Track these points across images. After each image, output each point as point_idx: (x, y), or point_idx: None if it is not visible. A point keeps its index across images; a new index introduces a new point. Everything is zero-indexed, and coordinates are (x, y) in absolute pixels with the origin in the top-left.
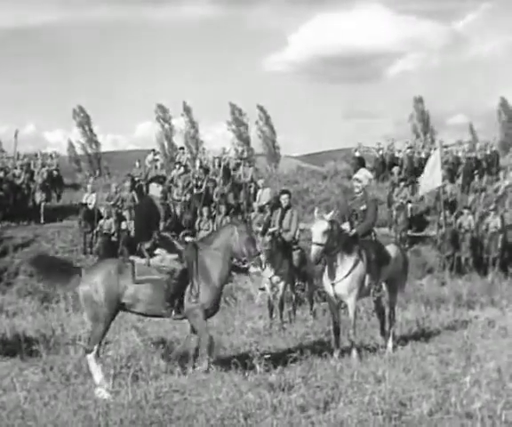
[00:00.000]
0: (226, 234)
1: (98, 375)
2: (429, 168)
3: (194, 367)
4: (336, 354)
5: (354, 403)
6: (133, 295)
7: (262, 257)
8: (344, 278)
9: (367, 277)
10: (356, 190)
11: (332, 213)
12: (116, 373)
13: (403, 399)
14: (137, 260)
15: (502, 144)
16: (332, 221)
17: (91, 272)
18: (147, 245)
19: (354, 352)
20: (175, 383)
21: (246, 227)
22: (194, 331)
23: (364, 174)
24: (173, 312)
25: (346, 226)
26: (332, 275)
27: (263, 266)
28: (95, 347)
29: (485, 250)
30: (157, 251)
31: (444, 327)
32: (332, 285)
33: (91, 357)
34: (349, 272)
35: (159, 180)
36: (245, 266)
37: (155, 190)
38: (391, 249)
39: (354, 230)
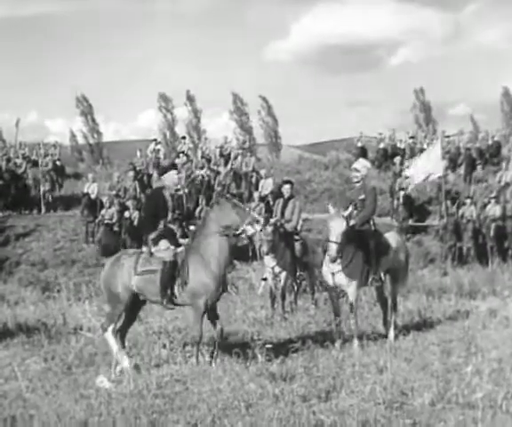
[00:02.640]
0: (212, 214)
1: (117, 350)
2: (427, 157)
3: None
4: (338, 344)
5: (355, 393)
6: (138, 285)
7: (255, 215)
8: (344, 268)
9: (366, 267)
10: (355, 180)
11: (350, 210)
12: (117, 362)
13: (404, 389)
14: (145, 250)
15: (504, 135)
16: (347, 217)
17: (110, 261)
18: (151, 236)
19: (355, 342)
20: (177, 373)
21: (227, 199)
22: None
23: (362, 164)
24: (165, 301)
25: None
26: (331, 265)
27: (259, 224)
28: (111, 325)
29: (484, 238)
30: (162, 242)
31: (445, 317)
32: (332, 274)
33: (108, 333)
34: (349, 262)
35: (175, 167)
36: (241, 230)
37: (171, 179)
38: (392, 238)
39: (352, 221)
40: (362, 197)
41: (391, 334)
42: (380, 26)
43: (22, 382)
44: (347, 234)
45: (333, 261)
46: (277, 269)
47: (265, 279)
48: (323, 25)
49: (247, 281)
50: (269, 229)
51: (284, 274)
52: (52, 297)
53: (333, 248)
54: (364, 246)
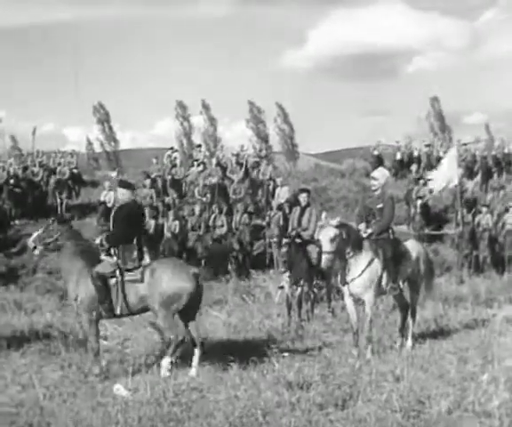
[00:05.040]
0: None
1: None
2: (447, 165)
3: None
4: (355, 352)
5: (372, 401)
6: None
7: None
8: (359, 277)
9: (384, 275)
10: (374, 189)
11: (338, 219)
12: (134, 370)
13: (421, 398)
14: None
15: None
16: (339, 226)
17: None
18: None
19: (369, 349)
20: (193, 381)
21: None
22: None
23: (381, 173)
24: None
25: (362, 226)
26: (347, 274)
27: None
28: None
29: (501, 247)
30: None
31: (462, 326)
32: (348, 283)
33: None
34: (364, 270)
35: (126, 185)
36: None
37: (124, 195)
38: (412, 247)
39: (369, 230)
40: (380, 205)
41: (409, 342)
42: (396, 35)
43: (39, 390)
44: (343, 241)
45: (328, 270)
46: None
47: (282, 288)
48: (339, 33)
49: (264, 289)
50: (284, 249)
51: (300, 282)
52: (68, 305)
53: (325, 258)
54: (381, 255)
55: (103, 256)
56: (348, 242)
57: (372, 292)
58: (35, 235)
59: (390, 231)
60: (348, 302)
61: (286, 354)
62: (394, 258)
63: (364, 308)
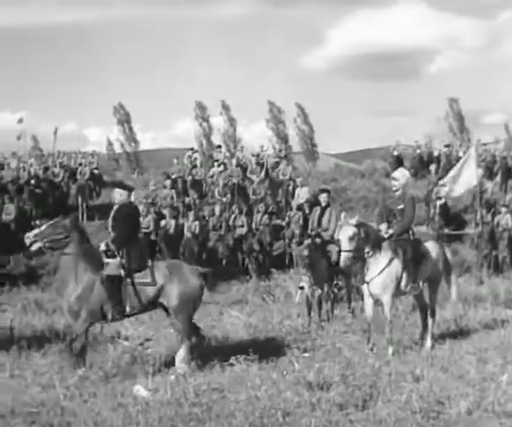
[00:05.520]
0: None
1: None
2: (467, 168)
3: None
4: (372, 351)
5: (392, 401)
6: None
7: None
8: (377, 276)
9: (404, 275)
10: (394, 189)
11: (356, 218)
12: (155, 370)
13: (441, 398)
14: None
15: None
16: (358, 225)
17: None
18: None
19: (390, 350)
20: (214, 381)
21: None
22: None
23: (401, 173)
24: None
25: (383, 226)
26: (366, 274)
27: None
28: None
29: None
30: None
31: (481, 326)
32: (367, 283)
33: None
34: (383, 270)
35: (123, 186)
36: None
37: (121, 196)
38: (432, 248)
39: (390, 231)
40: (401, 206)
41: (428, 342)
42: (414, 35)
43: (60, 391)
44: (361, 240)
45: (347, 269)
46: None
47: (302, 288)
48: (359, 34)
49: (284, 289)
50: (305, 249)
51: (320, 283)
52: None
53: (344, 257)
54: (401, 255)
55: (107, 259)
56: (367, 241)
57: (390, 293)
58: (36, 231)
59: (411, 232)
60: (368, 301)
61: (306, 354)
62: (414, 258)
63: (383, 309)
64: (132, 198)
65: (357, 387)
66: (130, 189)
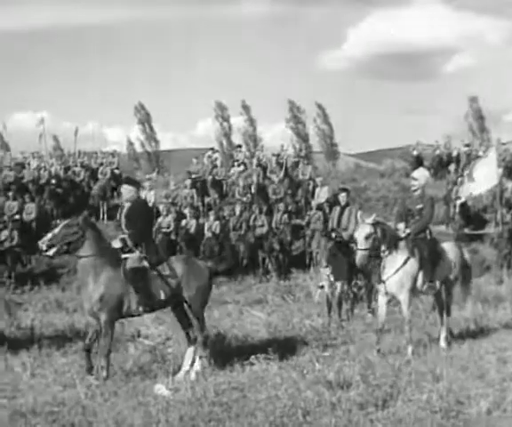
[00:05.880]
0: None
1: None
2: (487, 169)
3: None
4: (378, 353)
5: (412, 401)
6: None
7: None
8: (393, 275)
9: (420, 274)
10: (414, 189)
11: (373, 217)
12: (175, 369)
13: (460, 398)
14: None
15: None
16: (374, 224)
17: None
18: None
19: (409, 349)
20: (234, 380)
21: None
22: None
23: (421, 173)
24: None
25: (401, 225)
26: (383, 272)
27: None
28: None
29: None
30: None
31: (501, 326)
32: (383, 282)
33: None
34: (399, 269)
35: (132, 182)
36: None
37: (130, 192)
38: (450, 249)
39: (407, 230)
40: (420, 206)
41: (442, 342)
42: (435, 33)
43: (81, 390)
44: (378, 239)
45: (362, 267)
46: (334, 277)
47: (322, 287)
48: (378, 33)
49: (304, 289)
50: (329, 244)
51: (340, 282)
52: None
53: (360, 255)
54: (417, 254)
55: (125, 255)
56: (384, 240)
57: (407, 291)
58: (49, 235)
59: (428, 232)
60: (381, 299)
61: (326, 354)
62: (430, 258)
63: (401, 308)
64: (152, 198)
65: (377, 386)
66: (137, 185)
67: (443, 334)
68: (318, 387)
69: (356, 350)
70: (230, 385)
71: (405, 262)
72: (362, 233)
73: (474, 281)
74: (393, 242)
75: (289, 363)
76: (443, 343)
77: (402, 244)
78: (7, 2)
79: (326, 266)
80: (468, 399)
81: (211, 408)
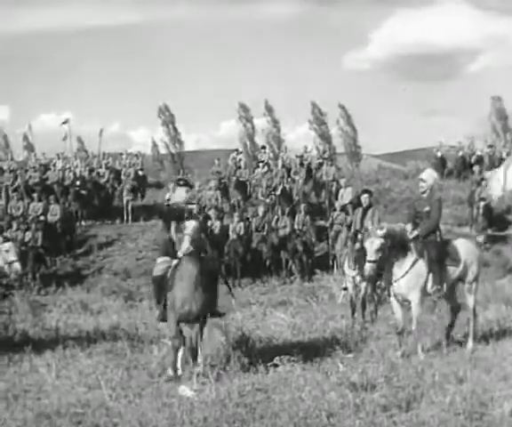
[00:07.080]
0: None
1: None
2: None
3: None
4: (399, 353)
5: (436, 403)
6: None
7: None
8: (402, 277)
9: (430, 277)
10: (421, 190)
11: (384, 231)
12: (200, 371)
13: (484, 400)
14: None
15: None
16: (385, 236)
17: None
18: None
19: (419, 348)
20: (258, 382)
21: None
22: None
23: (428, 174)
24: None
25: (408, 226)
26: (392, 274)
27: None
28: None
29: None
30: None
31: None
32: (392, 284)
33: None
34: (408, 271)
35: (185, 183)
36: None
37: (179, 194)
38: (460, 246)
39: (415, 232)
40: (427, 208)
41: (469, 344)
42: (458, 33)
43: (105, 391)
44: (384, 250)
45: (369, 278)
46: (358, 279)
47: (345, 289)
48: (402, 34)
49: (328, 290)
50: (358, 245)
51: (364, 283)
52: (134, 306)
53: (369, 267)
54: (426, 256)
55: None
56: (393, 248)
57: (417, 292)
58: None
59: (438, 233)
60: (394, 302)
61: (350, 355)
62: (439, 260)
63: (411, 309)
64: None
65: (401, 388)
66: (190, 186)
67: (470, 338)
68: (342, 389)
69: (380, 352)
70: (254, 387)
71: (414, 264)
72: (373, 246)
73: (497, 282)
74: (402, 248)
75: (313, 365)
76: (470, 346)
77: (409, 246)
78: (33, 3)
79: (354, 268)
80: (491, 401)
81: (235, 409)
